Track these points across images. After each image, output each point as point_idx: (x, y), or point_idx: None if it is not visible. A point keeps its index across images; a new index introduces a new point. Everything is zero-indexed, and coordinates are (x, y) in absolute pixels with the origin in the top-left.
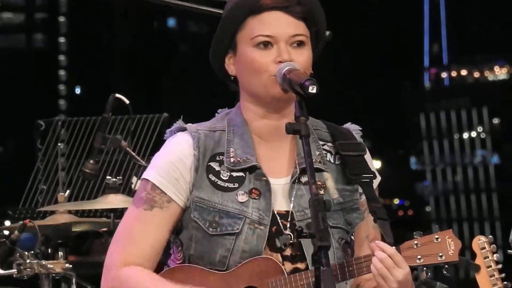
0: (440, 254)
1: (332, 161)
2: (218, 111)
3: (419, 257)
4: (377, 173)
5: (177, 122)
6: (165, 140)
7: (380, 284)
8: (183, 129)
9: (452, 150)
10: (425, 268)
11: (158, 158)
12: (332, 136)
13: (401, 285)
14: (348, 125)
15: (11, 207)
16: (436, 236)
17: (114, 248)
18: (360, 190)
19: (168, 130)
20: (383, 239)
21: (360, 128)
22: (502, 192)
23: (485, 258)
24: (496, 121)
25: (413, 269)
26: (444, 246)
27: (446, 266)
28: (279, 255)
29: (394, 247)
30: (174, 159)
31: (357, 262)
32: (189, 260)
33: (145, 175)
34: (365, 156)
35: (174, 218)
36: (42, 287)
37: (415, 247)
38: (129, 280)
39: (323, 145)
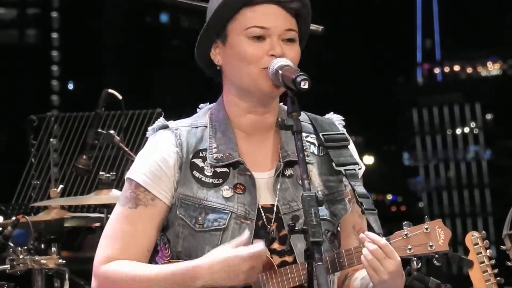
0: (430, 244)
1: (316, 153)
2: (199, 106)
3: (409, 247)
4: (361, 163)
5: (158, 120)
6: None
7: (371, 275)
8: (165, 127)
9: (445, 146)
10: (415, 259)
11: (141, 157)
12: (314, 127)
13: (392, 276)
14: (331, 115)
15: (4, 203)
16: (426, 226)
17: (100, 248)
18: (345, 181)
19: (149, 128)
20: (370, 229)
21: (343, 118)
22: (495, 187)
23: (478, 253)
24: (489, 116)
25: (406, 264)
26: (434, 235)
27: (437, 255)
28: (266, 249)
29: (384, 238)
30: (156, 157)
31: (347, 254)
32: (177, 257)
33: (129, 174)
34: (349, 147)
35: (159, 215)
36: (35, 283)
37: (404, 237)
38: (114, 274)
39: (306, 137)
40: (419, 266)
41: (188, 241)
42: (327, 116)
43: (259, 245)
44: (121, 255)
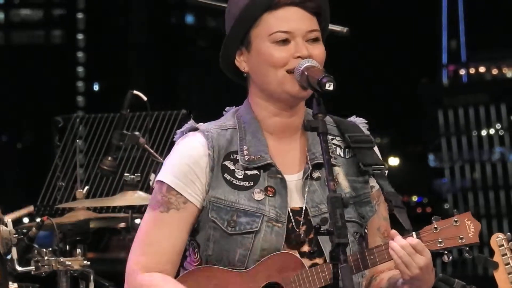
0: (461, 237)
1: (342, 155)
2: (225, 109)
3: (440, 240)
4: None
5: (188, 122)
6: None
7: (403, 271)
8: (195, 129)
9: (470, 147)
10: (446, 252)
11: (172, 159)
12: (339, 130)
13: (422, 271)
14: (353, 118)
15: (29, 204)
16: (455, 219)
17: (133, 253)
18: (371, 183)
19: (178, 131)
20: (399, 226)
21: (366, 121)
22: None
23: (503, 255)
24: None
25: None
26: (463, 228)
27: (467, 248)
28: (296, 251)
29: (414, 233)
30: (188, 160)
31: (369, 254)
32: (206, 261)
33: (160, 177)
34: (374, 148)
35: (191, 218)
36: (60, 284)
37: (435, 231)
38: (144, 286)
39: (332, 139)
40: (449, 259)
41: (220, 244)
42: (350, 119)
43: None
44: (155, 263)
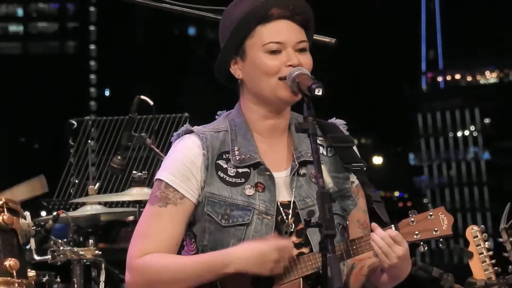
0: (435, 229)
1: (324, 153)
2: (217, 113)
3: (416, 232)
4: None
5: (184, 125)
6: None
7: (382, 260)
8: (190, 132)
9: (447, 147)
10: (422, 243)
11: (169, 159)
12: (322, 130)
13: (400, 260)
14: (334, 120)
15: (46, 199)
16: (430, 213)
17: (132, 244)
18: (351, 178)
19: (175, 133)
20: (378, 219)
21: (345, 122)
22: (493, 185)
23: (477, 245)
24: (487, 120)
25: (411, 254)
26: (438, 221)
27: (441, 239)
28: (292, 243)
29: (392, 225)
30: (184, 159)
31: (352, 244)
32: (202, 251)
33: (158, 175)
34: (353, 147)
35: (187, 213)
36: (74, 272)
37: (411, 224)
38: (150, 265)
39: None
40: (425, 249)
41: (214, 235)
42: (330, 120)
43: (288, 240)
44: (154, 250)
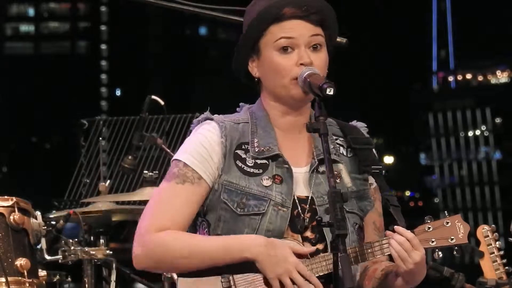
0: (452, 237)
1: (344, 153)
2: (239, 105)
3: (432, 239)
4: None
5: (204, 113)
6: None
7: (399, 265)
8: (210, 119)
9: (458, 147)
10: (436, 250)
11: (188, 142)
12: (343, 131)
13: (417, 266)
14: (355, 123)
15: (57, 199)
16: (447, 221)
17: (146, 216)
18: (369, 180)
19: (195, 120)
20: (394, 223)
21: (366, 125)
22: (504, 184)
23: (488, 245)
24: (498, 120)
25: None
26: (454, 229)
27: (456, 248)
28: (299, 236)
29: (410, 231)
30: (204, 142)
31: (367, 247)
32: None
33: (176, 156)
34: (373, 150)
35: (203, 194)
36: (85, 272)
37: (428, 230)
38: (164, 242)
39: (336, 139)
40: (439, 256)
41: (229, 224)
42: (351, 123)
43: (308, 249)
44: (168, 226)
